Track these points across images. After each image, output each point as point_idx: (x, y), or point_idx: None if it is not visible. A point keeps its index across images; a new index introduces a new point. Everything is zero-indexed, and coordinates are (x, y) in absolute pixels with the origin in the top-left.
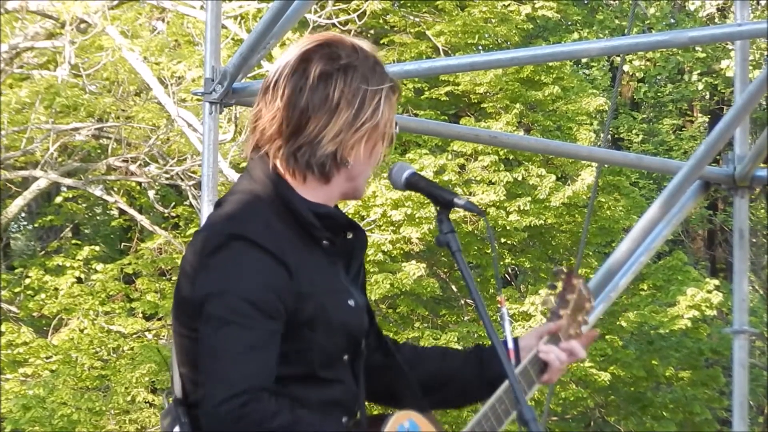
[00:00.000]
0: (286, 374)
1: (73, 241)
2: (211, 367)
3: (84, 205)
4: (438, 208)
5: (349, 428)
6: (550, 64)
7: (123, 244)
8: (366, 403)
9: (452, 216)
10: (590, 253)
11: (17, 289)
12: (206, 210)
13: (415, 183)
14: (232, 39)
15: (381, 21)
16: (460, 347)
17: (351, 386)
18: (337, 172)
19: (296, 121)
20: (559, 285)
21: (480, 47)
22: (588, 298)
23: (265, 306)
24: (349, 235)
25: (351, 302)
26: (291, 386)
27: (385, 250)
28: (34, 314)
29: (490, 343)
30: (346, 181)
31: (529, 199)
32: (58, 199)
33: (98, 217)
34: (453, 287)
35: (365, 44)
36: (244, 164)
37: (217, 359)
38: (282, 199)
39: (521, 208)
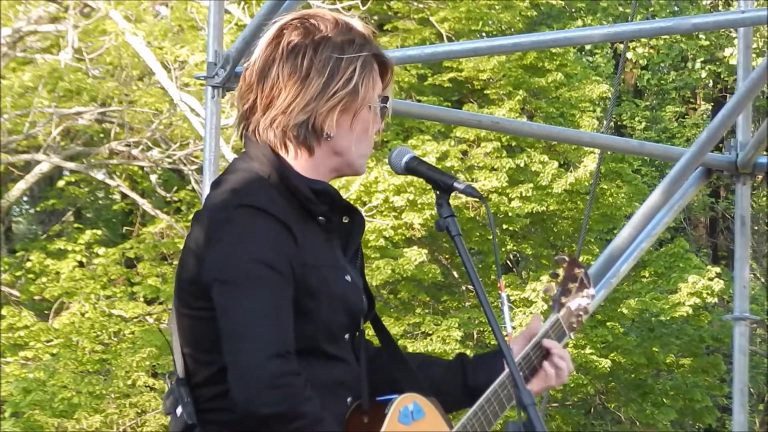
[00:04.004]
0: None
1: (75, 225)
2: (240, 332)
3: (86, 189)
4: (438, 192)
5: (353, 410)
6: (554, 50)
7: (125, 228)
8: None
9: (454, 202)
10: (592, 240)
11: (18, 273)
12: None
13: (414, 167)
14: (236, 24)
15: (385, 7)
16: (460, 334)
17: (354, 366)
18: (318, 144)
19: (269, 93)
20: (561, 273)
21: (483, 34)
22: (589, 287)
23: (282, 268)
24: (346, 219)
25: (348, 278)
26: (299, 362)
27: (387, 236)
28: (35, 298)
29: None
30: (334, 155)
31: (532, 185)
32: (60, 183)
33: (100, 202)
34: (454, 273)
35: (354, 20)
36: None
37: (245, 323)
38: (278, 173)
39: (523, 194)
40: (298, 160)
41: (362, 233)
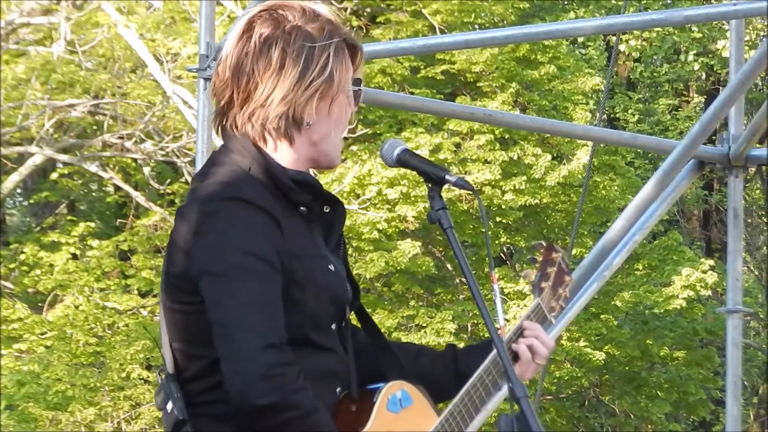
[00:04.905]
0: None
1: (69, 218)
2: (232, 323)
3: (79, 181)
4: (429, 185)
5: (342, 399)
6: (546, 43)
7: (118, 220)
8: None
9: (447, 195)
10: (585, 233)
11: (12, 265)
12: None
13: (406, 160)
14: (228, 16)
15: None
16: (454, 326)
17: (342, 356)
18: (299, 134)
19: (245, 87)
20: (539, 258)
21: (476, 26)
22: (567, 272)
23: (271, 259)
24: (327, 209)
25: (331, 267)
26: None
27: (380, 229)
28: (29, 290)
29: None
30: (311, 145)
31: (525, 178)
32: (54, 176)
33: (93, 194)
34: (448, 266)
35: (319, 6)
36: None
37: (237, 314)
38: (259, 165)
39: (516, 187)
40: (278, 152)
41: (343, 223)
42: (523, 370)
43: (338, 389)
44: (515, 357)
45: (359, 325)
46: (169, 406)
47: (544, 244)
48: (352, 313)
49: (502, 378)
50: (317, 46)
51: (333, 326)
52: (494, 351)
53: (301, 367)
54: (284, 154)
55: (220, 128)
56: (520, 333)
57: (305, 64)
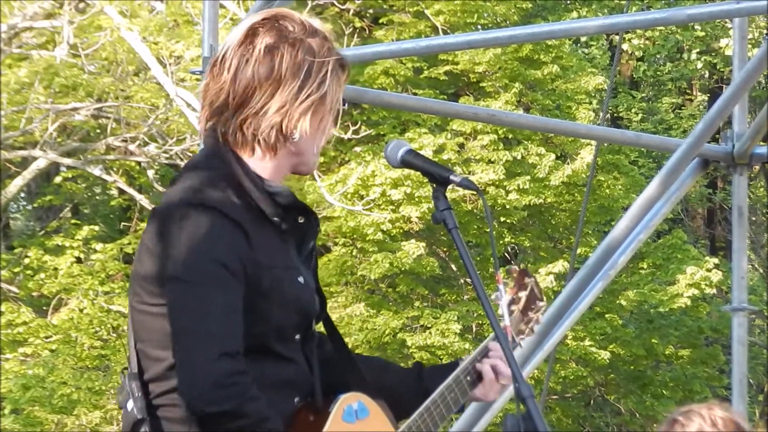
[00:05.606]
0: (244, 347)
1: (73, 221)
2: (190, 329)
3: (83, 184)
4: (434, 185)
5: (300, 408)
6: (549, 43)
7: (122, 223)
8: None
9: (451, 195)
10: (589, 232)
11: (17, 269)
12: None
13: (410, 161)
14: (231, 18)
15: (380, 0)
16: (459, 327)
17: (304, 367)
18: (284, 145)
19: (242, 93)
20: (511, 282)
21: (479, 26)
22: (540, 297)
23: (234, 267)
24: (301, 219)
25: (301, 279)
26: (248, 361)
27: (385, 229)
28: (34, 294)
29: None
30: (294, 155)
31: (529, 177)
32: (58, 179)
33: (97, 197)
34: (452, 266)
35: (315, 21)
36: None
37: (195, 320)
38: (234, 173)
39: (520, 187)
40: (259, 161)
41: (317, 234)
42: (487, 391)
43: (296, 399)
44: (479, 377)
45: (326, 334)
46: (130, 404)
47: (517, 268)
48: (319, 324)
49: (464, 396)
50: (317, 62)
51: (297, 337)
52: (458, 370)
53: (261, 375)
54: (265, 164)
55: (205, 131)
56: (485, 353)
57: (305, 77)
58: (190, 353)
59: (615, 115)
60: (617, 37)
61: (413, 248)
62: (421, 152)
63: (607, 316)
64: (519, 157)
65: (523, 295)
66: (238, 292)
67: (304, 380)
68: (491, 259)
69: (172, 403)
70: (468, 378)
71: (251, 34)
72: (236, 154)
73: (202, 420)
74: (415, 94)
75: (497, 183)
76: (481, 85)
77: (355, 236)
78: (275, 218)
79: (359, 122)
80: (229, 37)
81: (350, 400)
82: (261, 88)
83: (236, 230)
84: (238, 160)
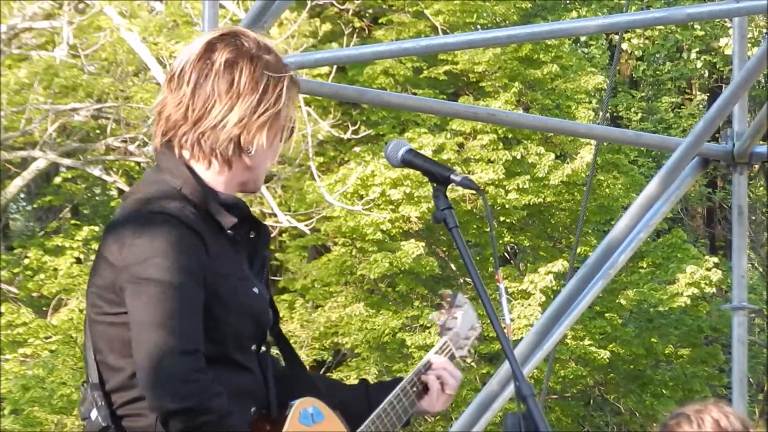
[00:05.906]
0: (205, 356)
1: (72, 222)
2: (150, 330)
3: (83, 185)
4: (434, 184)
5: (257, 418)
6: (549, 42)
7: None
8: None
9: (451, 194)
10: (589, 231)
11: (16, 270)
12: None
13: (410, 160)
14: (230, 19)
15: (379, 0)
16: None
17: (259, 377)
18: (239, 159)
19: (201, 106)
20: (446, 305)
21: (478, 26)
22: (476, 321)
23: (194, 273)
24: (252, 234)
25: (255, 290)
26: (208, 370)
27: (384, 229)
28: (34, 294)
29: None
30: (246, 169)
31: (528, 177)
32: (57, 180)
33: (97, 198)
34: (452, 266)
35: (267, 39)
36: None
37: (156, 322)
38: (190, 186)
39: (520, 186)
40: (212, 174)
41: (267, 247)
42: (434, 401)
43: (253, 409)
44: (425, 388)
45: (278, 348)
46: (93, 413)
47: (450, 293)
48: (271, 337)
49: (412, 407)
50: (274, 77)
51: (253, 347)
52: (403, 381)
53: (219, 383)
54: (219, 177)
55: (161, 145)
56: (428, 366)
57: (263, 91)
58: (150, 352)
59: (615, 114)
60: (617, 37)
61: (413, 248)
62: (421, 152)
63: (606, 315)
64: (519, 157)
65: (459, 315)
66: (197, 297)
67: (260, 390)
68: (491, 258)
69: (136, 413)
70: (414, 389)
71: (209, 49)
72: (191, 168)
73: (166, 420)
74: (415, 93)
75: (497, 182)
76: (480, 84)
77: (354, 236)
78: (229, 230)
79: (359, 122)
80: (184, 52)
81: (305, 404)
82: (220, 102)
83: (194, 238)
84: (192, 172)
